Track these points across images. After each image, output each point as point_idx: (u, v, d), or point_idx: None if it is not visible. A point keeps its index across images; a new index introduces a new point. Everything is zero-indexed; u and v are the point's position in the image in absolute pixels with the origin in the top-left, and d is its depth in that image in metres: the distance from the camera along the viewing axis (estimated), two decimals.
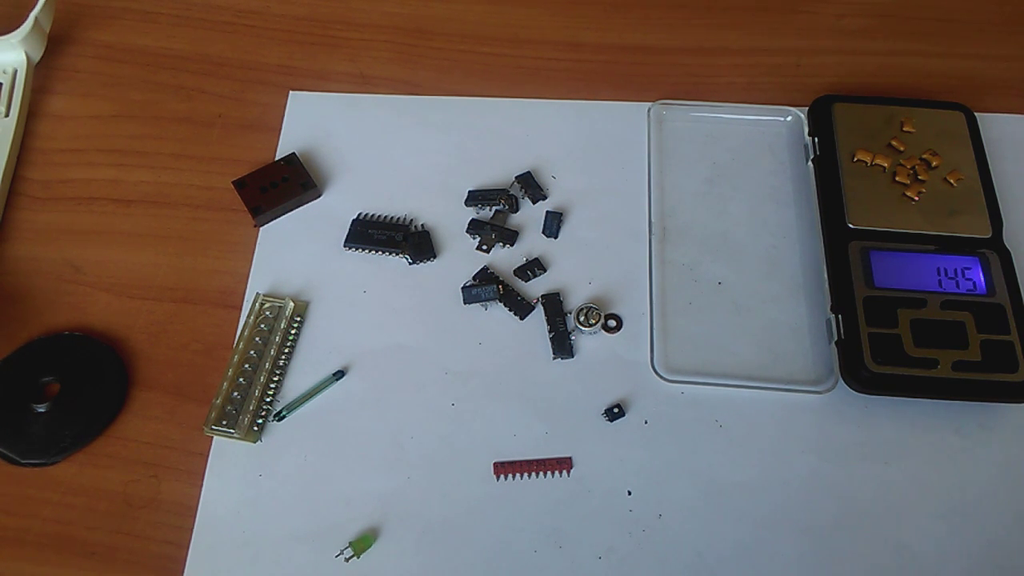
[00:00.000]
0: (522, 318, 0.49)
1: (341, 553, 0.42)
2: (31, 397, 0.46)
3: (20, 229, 0.53)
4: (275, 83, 0.58)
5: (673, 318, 0.49)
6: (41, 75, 0.59)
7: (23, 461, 0.45)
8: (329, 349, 0.48)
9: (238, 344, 0.47)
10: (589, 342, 0.48)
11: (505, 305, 0.49)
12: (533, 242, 0.52)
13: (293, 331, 0.48)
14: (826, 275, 0.49)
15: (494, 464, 0.45)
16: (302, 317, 0.49)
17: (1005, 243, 0.49)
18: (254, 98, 0.58)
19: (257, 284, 0.50)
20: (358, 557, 0.42)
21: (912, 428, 0.46)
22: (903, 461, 0.45)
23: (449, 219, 0.53)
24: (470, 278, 0.50)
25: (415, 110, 0.57)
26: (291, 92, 0.58)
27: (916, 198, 0.50)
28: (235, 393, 0.46)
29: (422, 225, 0.52)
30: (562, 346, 0.48)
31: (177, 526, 0.43)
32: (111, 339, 0.49)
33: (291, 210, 0.53)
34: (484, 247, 0.51)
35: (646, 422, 0.46)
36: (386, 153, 0.55)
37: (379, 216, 0.52)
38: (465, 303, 0.49)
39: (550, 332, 0.48)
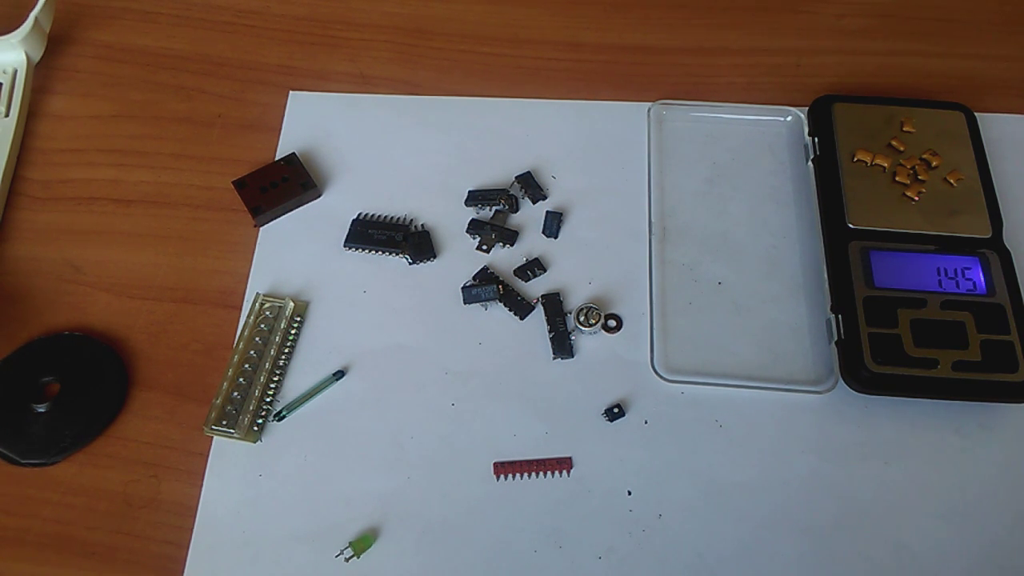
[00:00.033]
0: (522, 318, 0.49)
1: (341, 553, 0.42)
2: (31, 397, 0.46)
3: (20, 229, 0.53)
4: (275, 83, 0.58)
5: (673, 318, 0.49)
6: (41, 75, 0.59)
7: (23, 461, 0.45)
8: (329, 349, 0.48)
9: (238, 344, 0.47)
10: (589, 342, 0.48)
11: (505, 305, 0.49)
12: (533, 242, 0.52)
13: (293, 331, 0.48)
14: (826, 275, 0.49)
15: (494, 464, 0.45)
16: (302, 317, 0.49)
17: (1005, 243, 0.49)
18: (254, 98, 0.58)
19: (257, 284, 0.50)
20: (358, 557, 0.42)
21: (912, 428, 0.46)
22: (903, 461, 0.45)
23: (449, 219, 0.53)
24: (470, 278, 0.50)
25: (415, 110, 0.57)
26: (291, 92, 0.58)
27: (916, 198, 0.50)
28: (235, 393, 0.46)
29: (422, 225, 0.52)
30: (562, 346, 0.48)
31: (177, 526, 0.43)
32: (111, 339, 0.49)
33: (291, 210, 0.53)
34: (484, 247, 0.51)
35: (646, 422, 0.46)
36: (386, 153, 0.55)
37: (379, 216, 0.52)
38: (465, 303, 0.49)
39: (550, 332, 0.48)
